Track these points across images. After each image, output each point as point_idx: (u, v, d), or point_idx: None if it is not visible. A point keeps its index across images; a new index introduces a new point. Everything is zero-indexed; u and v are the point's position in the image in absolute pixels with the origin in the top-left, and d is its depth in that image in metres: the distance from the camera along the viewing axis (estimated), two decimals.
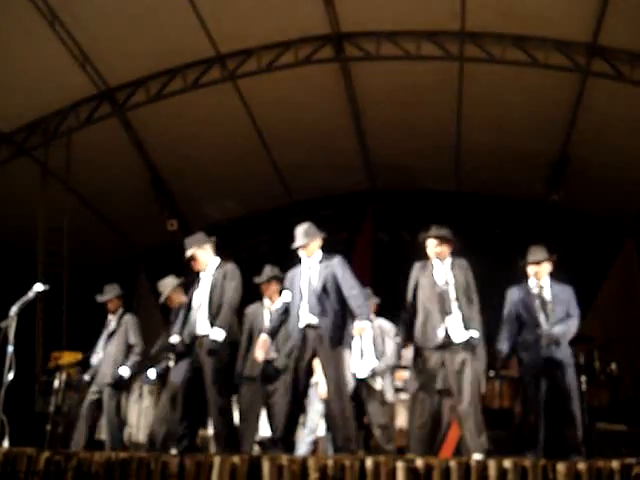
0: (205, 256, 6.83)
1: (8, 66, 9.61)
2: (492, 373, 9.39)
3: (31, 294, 6.88)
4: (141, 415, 9.20)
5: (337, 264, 6.31)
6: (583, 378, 9.11)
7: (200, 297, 6.69)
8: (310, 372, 6.25)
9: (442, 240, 6.56)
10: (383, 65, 10.35)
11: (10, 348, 6.48)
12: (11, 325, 6.60)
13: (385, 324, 7.92)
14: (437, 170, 12.84)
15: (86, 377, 8.38)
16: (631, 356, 11.08)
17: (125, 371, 7.98)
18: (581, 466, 4.36)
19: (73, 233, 11.38)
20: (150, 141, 11.67)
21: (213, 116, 11.27)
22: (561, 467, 4.36)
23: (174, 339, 7.14)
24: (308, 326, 6.19)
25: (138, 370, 8.38)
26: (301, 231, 6.42)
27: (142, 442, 8.87)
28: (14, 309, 6.68)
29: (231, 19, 9.66)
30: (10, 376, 6.41)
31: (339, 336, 6.13)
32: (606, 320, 10.86)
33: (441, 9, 9.50)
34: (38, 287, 6.95)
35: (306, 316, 6.20)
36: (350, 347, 6.71)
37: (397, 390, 8.31)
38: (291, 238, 6.51)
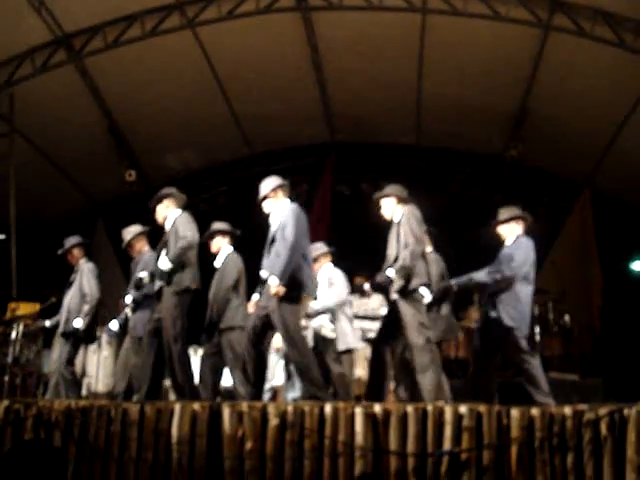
0: (165, 210, 7.02)
1: None
2: None
3: None
4: (100, 365, 9.20)
5: (286, 214, 6.31)
6: (537, 329, 9.34)
7: (161, 248, 6.76)
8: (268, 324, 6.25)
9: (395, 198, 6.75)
10: (345, 15, 10.27)
11: None
12: None
13: (334, 272, 7.98)
14: (397, 123, 12.82)
15: (47, 324, 8.34)
16: (584, 308, 11.34)
17: (79, 323, 7.79)
18: (534, 412, 4.48)
19: (26, 183, 11.22)
20: (108, 89, 11.43)
21: (172, 64, 11.08)
22: (515, 412, 4.48)
23: (142, 274, 7.13)
24: (264, 280, 6.26)
25: (95, 320, 8.25)
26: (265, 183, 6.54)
27: (101, 392, 8.87)
28: None
29: None
30: None
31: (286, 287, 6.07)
32: (561, 273, 11.04)
33: None
34: None
35: (262, 271, 6.29)
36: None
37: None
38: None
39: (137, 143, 12.58)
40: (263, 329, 6.22)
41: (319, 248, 8.01)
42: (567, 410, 4.49)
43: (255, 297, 6.54)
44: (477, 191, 12.76)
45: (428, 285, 6.37)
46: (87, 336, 7.97)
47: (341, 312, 7.83)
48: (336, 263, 8.23)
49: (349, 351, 7.89)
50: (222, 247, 7.44)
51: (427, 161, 13.53)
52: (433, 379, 5.96)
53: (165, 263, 6.56)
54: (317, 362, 6.25)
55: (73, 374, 7.93)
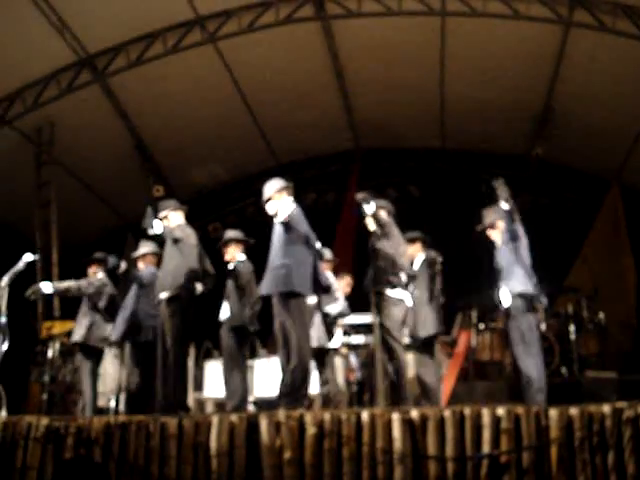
0: (176, 220, 7.18)
1: None
2: (482, 326, 9.54)
3: (21, 264, 6.87)
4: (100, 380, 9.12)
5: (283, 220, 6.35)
6: (572, 328, 9.28)
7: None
8: None
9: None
10: (365, 22, 10.29)
11: (3, 319, 6.48)
12: (2, 296, 6.60)
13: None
14: (422, 127, 12.81)
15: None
16: (618, 305, 11.22)
17: (47, 287, 7.99)
18: (573, 411, 4.45)
19: (60, 204, 11.42)
20: (133, 107, 11.57)
21: (195, 79, 11.18)
22: (553, 413, 4.45)
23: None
24: None
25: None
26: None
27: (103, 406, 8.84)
28: (5, 280, 6.68)
29: None
30: (4, 347, 6.42)
31: (281, 288, 6.11)
32: (593, 269, 10.96)
33: None
34: (28, 257, 6.93)
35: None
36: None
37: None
38: None
39: (163, 159, 12.68)
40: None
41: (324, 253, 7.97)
42: (606, 409, 4.45)
43: None
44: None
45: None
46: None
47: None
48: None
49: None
50: (236, 255, 7.50)
51: (453, 164, 13.50)
52: None
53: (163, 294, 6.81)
54: None
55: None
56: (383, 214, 6.67)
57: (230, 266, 7.45)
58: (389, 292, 6.42)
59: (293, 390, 5.93)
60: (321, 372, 7.78)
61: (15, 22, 9.46)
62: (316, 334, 7.65)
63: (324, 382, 7.78)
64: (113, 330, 7.70)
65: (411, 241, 7.30)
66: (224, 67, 11.00)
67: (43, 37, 9.86)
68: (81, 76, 10.73)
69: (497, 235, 6.76)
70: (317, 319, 7.73)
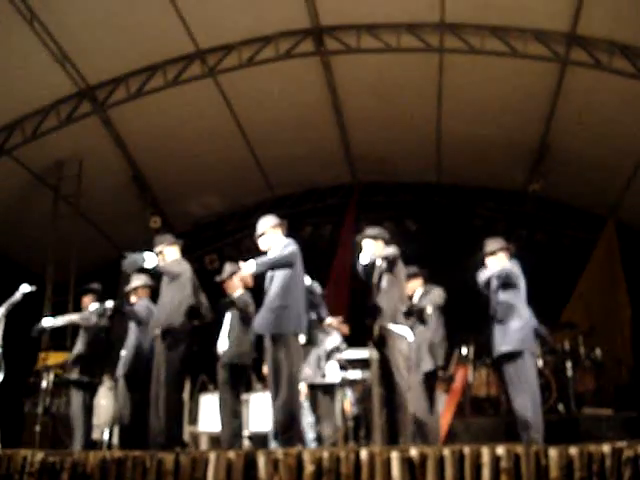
0: (172, 254, 7.15)
1: None
2: (479, 361, 9.52)
3: (18, 295, 6.84)
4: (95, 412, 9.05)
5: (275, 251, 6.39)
6: (569, 364, 9.26)
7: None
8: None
9: (374, 239, 6.76)
10: (363, 58, 10.39)
11: None
12: None
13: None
14: (418, 161, 12.89)
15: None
16: (614, 341, 11.22)
17: (47, 321, 8.08)
18: (573, 451, 4.41)
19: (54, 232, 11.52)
20: (131, 138, 11.63)
21: (194, 112, 11.24)
22: (553, 452, 4.42)
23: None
24: None
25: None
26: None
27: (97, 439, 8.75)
28: (1, 311, 6.66)
29: (210, 14, 9.66)
30: (0, 378, 6.37)
31: (277, 329, 6.12)
32: (589, 305, 10.98)
33: (420, 1, 9.56)
34: (24, 288, 6.90)
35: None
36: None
37: None
38: None
39: (161, 190, 12.73)
40: None
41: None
42: (606, 448, 4.42)
43: None
44: (501, 226, 12.69)
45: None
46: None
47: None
48: None
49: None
50: (238, 289, 7.49)
51: (449, 198, 13.56)
52: None
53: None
54: None
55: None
56: (389, 250, 6.61)
57: (235, 297, 7.41)
58: (393, 327, 6.39)
59: (286, 428, 5.93)
60: (314, 410, 7.74)
61: (16, 52, 9.53)
62: (310, 371, 7.64)
63: (317, 420, 7.74)
64: (119, 366, 7.65)
65: (412, 276, 7.31)
66: (223, 100, 11.09)
67: (44, 68, 9.93)
68: (81, 107, 10.79)
69: (496, 264, 6.77)
70: (312, 356, 7.72)
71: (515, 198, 12.98)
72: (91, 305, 8.19)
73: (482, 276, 6.71)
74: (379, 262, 6.49)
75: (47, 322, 7.98)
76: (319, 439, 7.66)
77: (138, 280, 8.03)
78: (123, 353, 7.72)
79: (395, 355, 6.31)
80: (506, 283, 6.55)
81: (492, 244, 6.91)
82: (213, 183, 12.82)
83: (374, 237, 6.73)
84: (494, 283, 6.62)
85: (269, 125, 11.68)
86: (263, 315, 6.19)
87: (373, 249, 6.67)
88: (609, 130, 10.66)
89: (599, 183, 11.84)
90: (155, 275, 7.37)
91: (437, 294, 7.46)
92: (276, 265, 6.21)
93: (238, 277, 7.33)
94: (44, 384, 9.32)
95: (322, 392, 7.81)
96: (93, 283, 8.59)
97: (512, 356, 6.38)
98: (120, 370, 7.68)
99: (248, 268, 6.10)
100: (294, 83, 10.99)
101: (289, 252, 6.25)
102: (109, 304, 7.91)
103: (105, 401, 8.96)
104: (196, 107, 11.17)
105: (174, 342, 6.72)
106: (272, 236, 6.50)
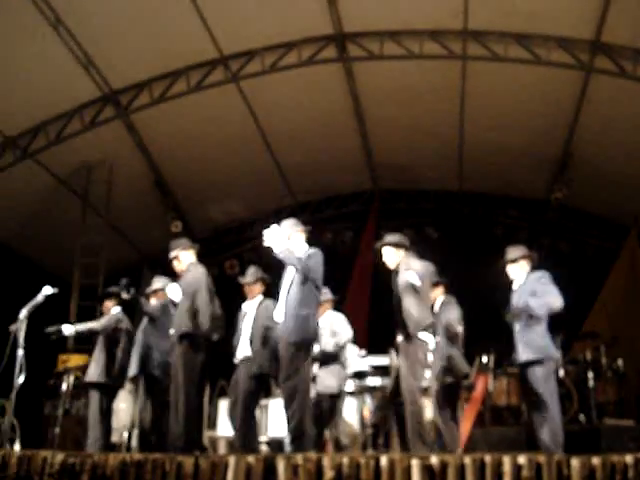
0: (188, 259, 7.11)
1: (12, 70, 9.64)
2: (499, 371, 9.45)
3: (40, 297, 6.87)
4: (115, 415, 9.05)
5: (308, 260, 6.31)
6: (590, 374, 9.16)
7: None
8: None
9: (395, 247, 6.67)
10: (386, 65, 10.38)
11: (20, 351, 6.46)
12: (21, 328, 6.59)
13: (336, 317, 8.00)
14: (440, 169, 12.87)
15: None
16: (636, 351, 11.09)
17: (68, 329, 8.03)
18: (595, 461, 4.37)
19: (76, 236, 11.62)
20: (154, 143, 11.70)
21: (216, 118, 11.29)
22: (575, 462, 4.37)
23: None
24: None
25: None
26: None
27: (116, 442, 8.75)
28: (24, 312, 6.67)
29: (234, 20, 9.70)
30: (21, 379, 6.39)
31: (295, 336, 6.10)
32: (611, 315, 10.86)
33: (444, 8, 9.53)
34: (47, 290, 6.92)
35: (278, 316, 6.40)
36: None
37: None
38: None
39: (183, 195, 12.79)
40: None
41: (324, 294, 7.87)
42: (629, 459, 4.37)
43: None
44: (523, 234, 12.61)
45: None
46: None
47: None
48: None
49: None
50: (258, 294, 7.46)
51: (470, 206, 13.52)
52: None
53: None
54: None
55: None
56: (414, 279, 6.52)
57: (255, 303, 7.37)
58: (419, 335, 6.33)
59: (299, 434, 5.94)
60: (330, 417, 7.71)
61: (41, 56, 9.61)
62: (327, 381, 7.62)
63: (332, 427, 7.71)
64: (132, 365, 7.70)
65: (433, 285, 7.27)
66: (246, 106, 11.12)
67: (68, 72, 10.01)
68: (104, 111, 10.87)
69: (518, 272, 6.72)
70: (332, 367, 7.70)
71: (537, 206, 12.89)
72: (113, 309, 8.22)
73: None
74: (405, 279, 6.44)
75: (67, 329, 7.99)
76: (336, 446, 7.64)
77: (159, 283, 8.06)
78: (136, 352, 7.73)
79: (413, 364, 6.27)
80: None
81: (514, 252, 6.85)
82: (234, 189, 12.87)
83: (395, 244, 6.68)
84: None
85: (291, 131, 11.72)
86: (288, 322, 6.17)
87: (393, 256, 6.64)
88: (633, 138, 10.57)
89: (622, 192, 11.73)
90: (175, 278, 7.37)
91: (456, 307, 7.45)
92: (306, 272, 6.18)
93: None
94: (64, 386, 9.38)
95: (337, 401, 7.78)
96: (112, 287, 8.62)
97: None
98: (133, 369, 7.69)
99: (277, 244, 6.14)
100: (316, 89, 11.01)
101: (318, 265, 6.28)
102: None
103: (125, 404, 8.99)
104: (218, 113, 11.20)
105: (192, 347, 6.71)
106: (295, 239, 6.48)
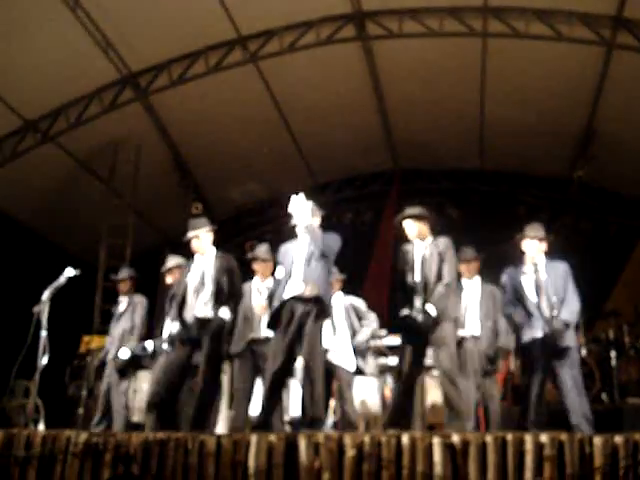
0: (207, 240, 6.96)
1: (30, 53, 9.65)
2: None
3: (62, 279, 6.91)
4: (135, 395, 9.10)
5: (328, 239, 6.32)
6: (613, 353, 9.13)
7: (201, 280, 6.77)
8: (295, 345, 6.18)
9: (417, 219, 6.53)
10: (405, 43, 10.29)
11: (44, 333, 6.51)
12: (44, 310, 6.64)
13: (356, 301, 7.95)
14: (461, 147, 12.76)
15: (95, 361, 8.37)
16: None
17: (124, 353, 7.94)
18: (618, 439, 4.35)
19: (101, 219, 11.71)
20: (173, 125, 11.71)
21: (235, 99, 11.26)
22: (598, 440, 4.36)
23: (174, 327, 6.91)
24: (296, 298, 6.17)
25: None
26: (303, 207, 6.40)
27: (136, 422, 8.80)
28: (46, 294, 6.72)
29: (252, 0, 9.63)
30: (44, 360, 6.45)
31: (323, 311, 6.11)
32: (634, 294, 10.78)
33: None
34: (69, 272, 6.96)
35: (295, 289, 6.20)
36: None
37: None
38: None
39: (203, 176, 12.81)
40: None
41: (334, 273, 7.80)
42: None
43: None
44: (545, 214, 12.53)
45: None
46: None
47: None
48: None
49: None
50: (269, 276, 7.46)
51: (492, 185, 13.43)
52: None
53: (225, 313, 6.71)
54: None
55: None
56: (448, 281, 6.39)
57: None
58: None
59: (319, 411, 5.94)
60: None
61: (59, 39, 9.63)
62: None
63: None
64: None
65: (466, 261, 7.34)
66: (264, 86, 11.08)
67: (87, 54, 10.01)
68: (124, 93, 10.88)
69: (535, 250, 6.64)
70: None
71: (559, 185, 12.77)
72: (130, 292, 8.27)
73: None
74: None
75: (124, 354, 7.99)
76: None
77: (172, 261, 8.04)
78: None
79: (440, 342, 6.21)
80: None
81: (537, 229, 6.76)
82: (254, 170, 12.84)
83: (416, 217, 6.52)
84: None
85: (310, 111, 11.66)
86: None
87: (415, 229, 6.52)
88: None
89: None
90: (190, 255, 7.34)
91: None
92: (329, 255, 6.25)
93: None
94: (88, 367, 9.46)
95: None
96: (126, 267, 8.72)
97: None
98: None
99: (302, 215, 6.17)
100: (335, 69, 10.94)
101: (337, 247, 6.34)
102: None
103: (147, 384, 9.04)
104: (237, 93, 11.17)
105: (215, 327, 6.70)
106: (313, 220, 6.45)
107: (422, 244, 6.45)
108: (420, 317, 6.15)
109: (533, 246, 6.60)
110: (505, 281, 6.71)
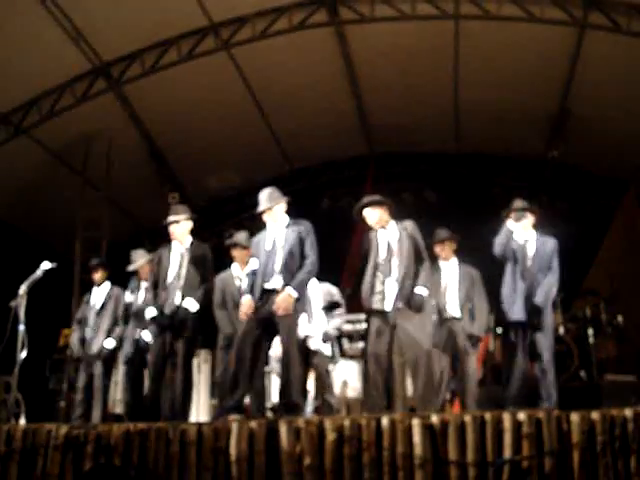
0: (186, 228, 6.99)
1: (1, 45, 9.55)
2: (499, 330, 9.48)
3: (39, 272, 6.87)
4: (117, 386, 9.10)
5: (306, 230, 6.26)
6: (590, 331, 9.21)
7: (178, 268, 6.82)
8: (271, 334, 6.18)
9: (375, 206, 6.58)
10: (378, 27, 10.27)
11: (21, 327, 6.48)
12: (21, 304, 6.60)
13: (332, 289, 7.93)
14: (436, 131, 12.77)
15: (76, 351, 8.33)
16: (636, 307, 11.12)
17: (110, 343, 7.98)
18: (595, 415, 4.41)
19: (74, 210, 11.60)
20: (147, 114, 11.62)
21: (209, 86, 11.20)
22: (575, 417, 4.41)
23: (151, 312, 6.88)
24: (271, 290, 6.14)
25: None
26: (265, 195, 6.32)
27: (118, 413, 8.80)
28: (23, 287, 6.68)
29: None
30: (23, 354, 6.42)
31: (297, 301, 6.07)
32: (611, 272, 10.86)
33: None
34: (45, 265, 6.93)
35: (269, 280, 6.17)
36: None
37: None
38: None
39: (178, 166, 12.74)
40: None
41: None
42: (628, 412, 4.40)
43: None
44: (521, 194, 12.54)
45: None
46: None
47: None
48: None
49: None
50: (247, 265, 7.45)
51: (468, 167, 13.47)
52: None
53: (192, 305, 6.71)
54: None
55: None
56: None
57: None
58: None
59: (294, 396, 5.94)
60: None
61: (30, 31, 9.52)
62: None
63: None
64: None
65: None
66: (238, 73, 11.03)
67: (58, 46, 9.92)
68: (96, 84, 10.79)
69: (525, 224, 6.74)
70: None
71: (536, 166, 12.83)
72: (104, 282, 8.27)
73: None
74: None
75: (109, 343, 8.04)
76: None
77: (140, 257, 8.12)
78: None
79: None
80: None
81: (524, 202, 6.87)
82: (230, 157, 12.80)
83: (374, 204, 6.59)
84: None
85: (284, 97, 11.62)
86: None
87: (376, 216, 6.55)
88: (630, 93, 10.47)
89: (620, 148, 11.67)
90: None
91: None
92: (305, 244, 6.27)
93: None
94: (68, 360, 9.42)
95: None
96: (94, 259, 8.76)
97: None
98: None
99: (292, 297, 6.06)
100: (309, 54, 10.90)
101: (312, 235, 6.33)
102: None
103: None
104: (211, 81, 11.12)
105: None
106: (278, 211, 6.36)
107: (386, 230, 6.50)
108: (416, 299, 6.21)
109: (522, 219, 6.71)
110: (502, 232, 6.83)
